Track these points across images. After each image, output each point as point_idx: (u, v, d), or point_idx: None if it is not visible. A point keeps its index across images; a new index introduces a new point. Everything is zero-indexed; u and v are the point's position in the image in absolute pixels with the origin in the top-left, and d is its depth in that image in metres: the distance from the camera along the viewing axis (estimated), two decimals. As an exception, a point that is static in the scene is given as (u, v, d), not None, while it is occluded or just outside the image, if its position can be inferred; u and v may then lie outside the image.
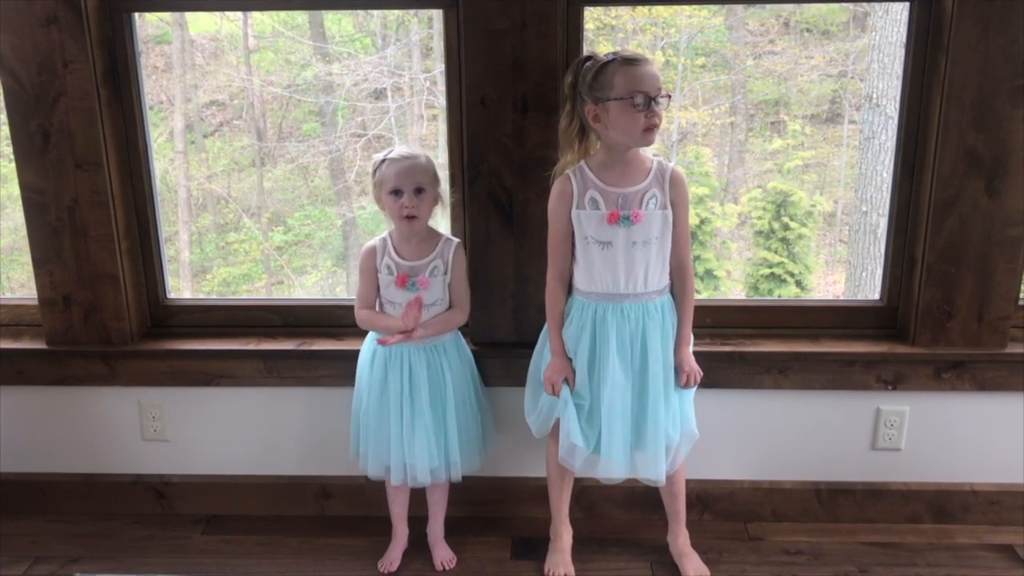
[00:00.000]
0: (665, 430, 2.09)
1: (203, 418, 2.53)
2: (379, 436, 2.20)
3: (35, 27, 2.19)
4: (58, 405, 2.53)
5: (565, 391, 2.09)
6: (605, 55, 1.96)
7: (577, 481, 2.38)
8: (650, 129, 1.93)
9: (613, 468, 2.10)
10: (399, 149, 2.12)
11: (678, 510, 2.29)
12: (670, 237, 2.05)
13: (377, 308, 2.21)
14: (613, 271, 2.03)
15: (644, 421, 2.08)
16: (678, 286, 2.11)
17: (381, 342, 2.11)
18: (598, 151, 2.05)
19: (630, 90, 1.90)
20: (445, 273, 2.17)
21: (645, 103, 1.90)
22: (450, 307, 2.21)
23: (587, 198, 2.02)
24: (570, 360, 2.11)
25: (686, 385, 2.12)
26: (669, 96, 1.94)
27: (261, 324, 2.53)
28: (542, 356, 2.19)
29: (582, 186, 2.03)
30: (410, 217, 2.09)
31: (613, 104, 1.92)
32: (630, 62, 1.92)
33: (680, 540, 2.31)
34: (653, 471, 2.12)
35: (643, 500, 2.52)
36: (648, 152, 2.07)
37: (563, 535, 2.32)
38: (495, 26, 2.16)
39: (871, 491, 2.49)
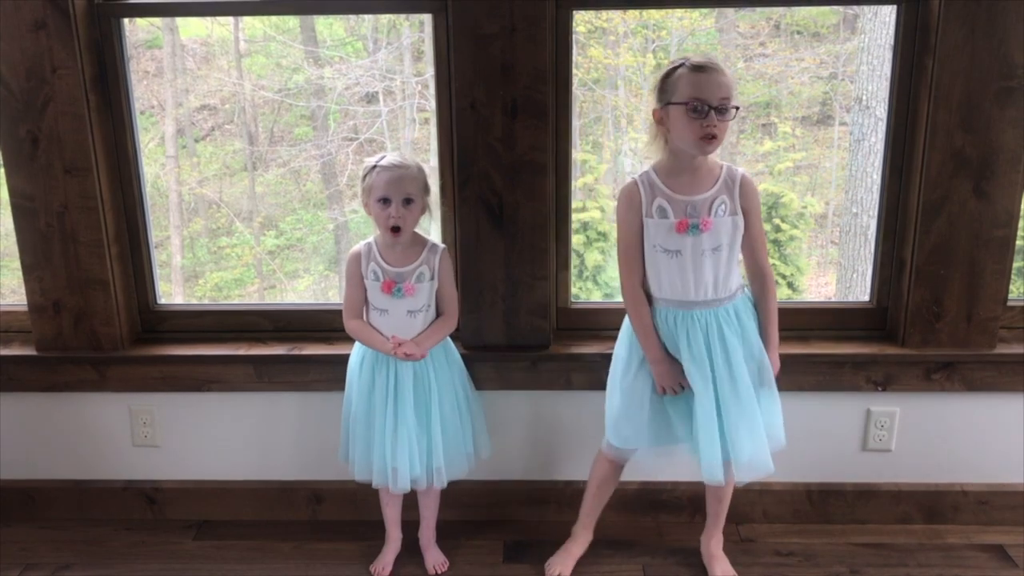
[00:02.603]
0: (767, 428, 2.08)
1: (194, 424, 2.52)
2: (366, 440, 2.19)
3: (23, 32, 2.18)
4: (48, 411, 2.52)
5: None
6: (680, 59, 1.96)
7: (568, 484, 2.39)
8: (706, 138, 1.90)
9: (705, 471, 2.06)
10: (391, 157, 2.10)
11: (719, 513, 2.29)
12: (739, 243, 2.03)
13: (365, 315, 2.21)
14: (683, 279, 2.02)
15: (740, 423, 2.05)
16: (758, 290, 2.09)
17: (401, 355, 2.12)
18: (666, 157, 2.03)
19: (690, 96, 1.89)
20: (431, 279, 2.16)
21: (702, 110, 1.88)
22: (438, 315, 2.21)
23: (655, 206, 2.01)
24: (676, 360, 2.08)
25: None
26: (736, 108, 1.91)
27: (252, 329, 2.53)
28: (627, 364, 2.14)
29: (650, 194, 2.01)
30: (395, 229, 2.09)
31: (673, 108, 1.92)
32: (696, 68, 1.91)
33: (713, 542, 2.32)
34: (747, 473, 2.09)
35: (635, 503, 2.52)
36: (715, 158, 2.04)
37: (580, 538, 2.33)
38: (484, 30, 2.16)
39: (862, 492, 2.49)
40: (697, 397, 2.03)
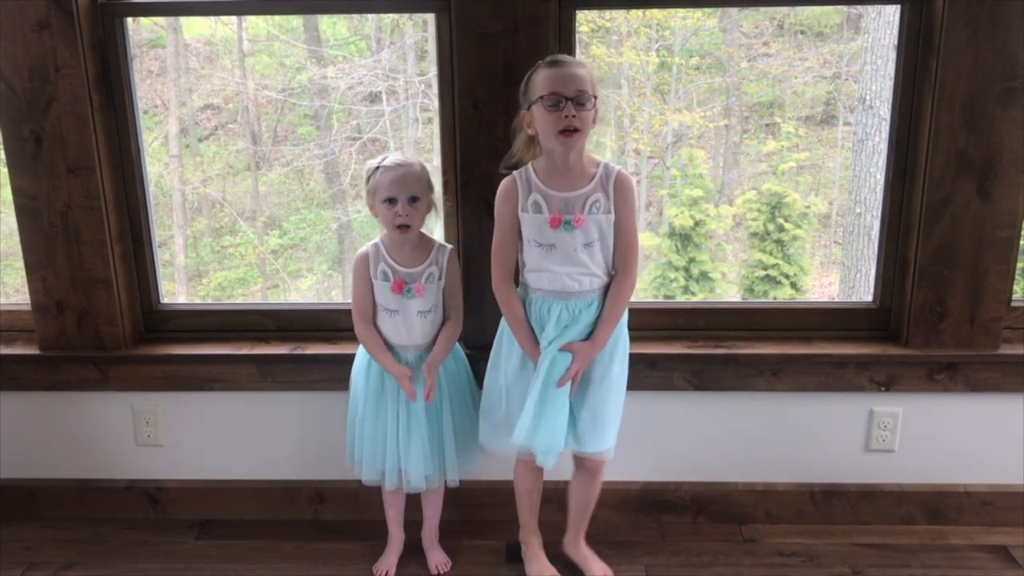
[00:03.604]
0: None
1: (197, 423, 2.53)
2: (374, 442, 2.19)
3: (27, 32, 2.19)
4: (51, 411, 2.53)
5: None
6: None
7: (569, 484, 2.39)
8: (566, 132, 1.91)
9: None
10: (393, 156, 2.11)
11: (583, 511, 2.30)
12: (610, 241, 2.04)
13: (373, 317, 2.20)
14: (558, 271, 2.02)
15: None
16: (612, 285, 2.06)
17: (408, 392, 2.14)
18: (542, 158, 2.04)
19: (545, 90, 1.91)
20: (440, 279, 2.16)
21: (555, 103, 1.90)
22: (444, 318, 2.21)
23: (530, 201, 2.02)
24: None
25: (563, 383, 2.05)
26: (592, 98, 1.92)
27: (255, 328, 2.53)
28: (497, 368, 2.17)
29: (526, 189, 2.03)
30: (403, 226, 2.09)
31: (535, 107, 1.95)
32: (549, 64, 1.94)
33: (582, 543, 2.33)
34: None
35: (637, 503, 2.52)
36: (593, 156, 2.05)
37: (535, 541, 2.34)
38: (487, 30, 2.16)
39: (865, 492, 2.49)
40: (534, 378, 2.04)
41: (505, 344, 2.15)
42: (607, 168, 2.02)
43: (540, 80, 1.93)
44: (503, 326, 2.16)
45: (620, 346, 2.11)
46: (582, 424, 2.09)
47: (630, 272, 2.06)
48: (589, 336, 2.05)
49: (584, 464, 2.22)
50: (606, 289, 2.06)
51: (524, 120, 2.01)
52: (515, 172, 2.05)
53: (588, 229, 2.00)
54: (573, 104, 1.90)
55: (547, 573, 2.27)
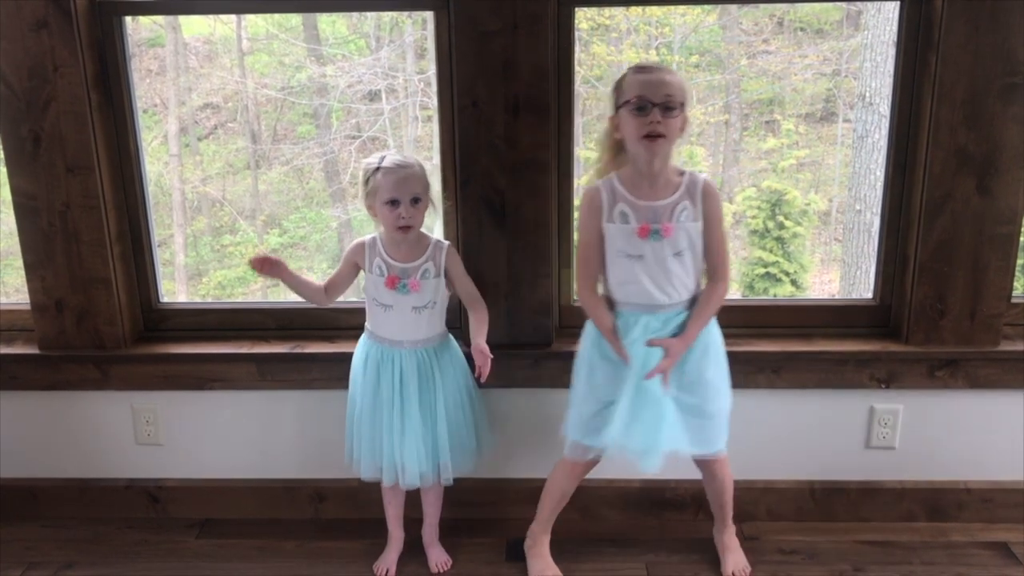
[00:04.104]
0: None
1: (197, 422, 2.53)
2: (372, 438, 2.19)
3: (25, 32, 2.18)
4: (51, 410, 2.53)
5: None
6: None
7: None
8: (650, 136, 1.91)
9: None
10: (391, 157, 2.09)
11: (722, 506, 2.31)
12: (701, 248, 2.03)
13: (366, 311, 2.21)
14: (646, 283, 2.02)
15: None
16: (706, 289, 2.07)
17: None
18: (628, 166, 2.04)
19: (633, 95, 1.91)
20: (437, 276, 2.16)
21: (641, 107, 1.90)
22: (467, 309, 2.22)
23: (616, 211, 2.02)
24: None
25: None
26: (679, 105, 1.91)
27: (254, 327, 2.53)
28: (584, 362, 2.15)
29: (611, 199, 2.03)
30: (406, 227, 2.09)
31: (622, 111, 1.95)
32: (639, 70, 1.95)
33: (725, 536, 2.34)
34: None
35: (638, 501, 2.52)
36: (677, 165, 2.04)
37: (543, 539, 2.33)
38: (486, 27, 2.16)
39: (865, 490, 2.49)
40: (627, 380, 2.03)
41: (591, 341, 2.14)
42: (692, 176, 2.02)
43: (628, 84, 1.93)
44: (589, 324, 2.15)
45: (712, 350, 2.10)
46: (686, 428, 2.07)
47: (723, 277, 2.06)
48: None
49: (702, 465, 2.22)
50: (692, 301, 2.06)
51: (611, 123, 2.01)
52: (599, 182, 2.05)
53: (677, 238, 2.00)
54: (660, 110, 1.90)
55: (549, 573, 2.27)
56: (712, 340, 2.10)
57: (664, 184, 2.01)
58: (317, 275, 2.71)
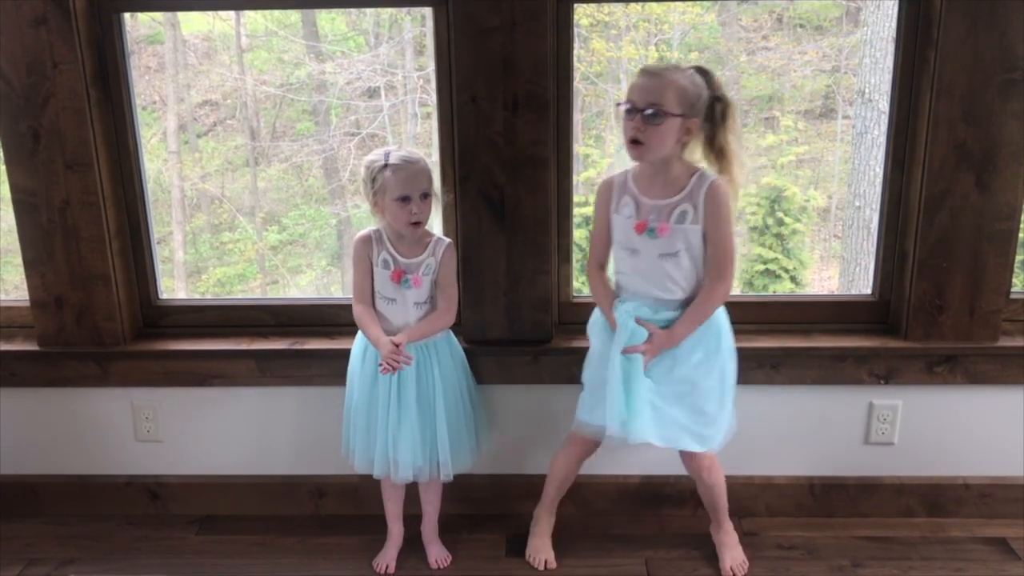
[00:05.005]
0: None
1: (196, 418, 2.53)
2: (367, 430, 2.20)
3: (24, 28, 2.18)
4: (51, 406, 2.53)
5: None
6: None
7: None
8: (631, 143, 1.93)
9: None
10: (397, 153, 2.08)
11: (712, 503, 2.32)
12: (700, 250, 2.03)
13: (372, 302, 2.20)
14: (642, 277, 2.05)
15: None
16: (704, 288, 2.05)
17: (383, 371, 2.09)
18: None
19: (625, 97, 1.95)
20: (435, 272, 2.16)
21: (628, 111, 1.93)
22: (435, 308, 2.19)
23: (622, 203, 2.05)
24: None
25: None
26: (670, 114, 1.89)
27: (254, 324, 2.53)
28: (592, 343, 2.20)
29: (620, 191, 2.06)
30: (417, 223, 2.09)
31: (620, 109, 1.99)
32: (641, 72, 1.97)
33: (721, 533, 2.34)
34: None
35: (637, 497, 2.52)
36: (692, 163, 2.04)
37: (546, 521, 2.35)
38: (485, 24, 2.16)
39: (864, 485, 2.49)
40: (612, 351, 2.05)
41: (593, 320, 2.20)
42: (701, 178, 2.00)
43: (630, 86, 1.95)
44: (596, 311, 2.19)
45: (713, 361, 2.10)
46: (668, 419, 2.08)
47: (724, 278, 2.04)
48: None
49: (688, 465, 2.23)
50: (689, 302, 2.06)
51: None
52: (616, 173, 2.10)
53: (672, 239, 2.00)
54: (641, 116, 1.90)
55: (542, 554, 2.30)
56: (716, 351, 2.10)
57: (672, 184, 2.02)
58: (316, 272, 2.70)
